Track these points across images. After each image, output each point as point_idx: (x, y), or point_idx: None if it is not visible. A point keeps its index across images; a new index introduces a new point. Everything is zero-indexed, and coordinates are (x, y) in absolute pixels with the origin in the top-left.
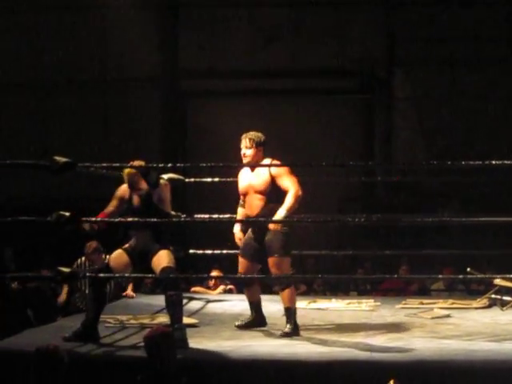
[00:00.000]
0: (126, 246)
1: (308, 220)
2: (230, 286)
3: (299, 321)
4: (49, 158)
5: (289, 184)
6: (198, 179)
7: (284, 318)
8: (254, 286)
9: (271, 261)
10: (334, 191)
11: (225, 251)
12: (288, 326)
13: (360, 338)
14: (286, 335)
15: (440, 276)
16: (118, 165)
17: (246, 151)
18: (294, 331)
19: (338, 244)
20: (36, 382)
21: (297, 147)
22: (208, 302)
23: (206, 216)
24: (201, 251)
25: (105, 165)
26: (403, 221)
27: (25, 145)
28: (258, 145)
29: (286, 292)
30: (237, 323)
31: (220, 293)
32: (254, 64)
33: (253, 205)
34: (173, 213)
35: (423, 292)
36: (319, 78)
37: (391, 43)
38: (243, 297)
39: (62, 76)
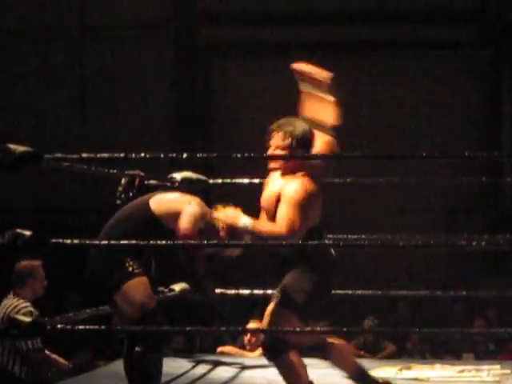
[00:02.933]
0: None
1: (399, 245)
2: None
3: None
4: None
5: (279, 215)
6: (228, 180)
7: None
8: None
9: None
10: (439, 198)
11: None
12: None
13: None
14: None
15: None
16: (105, 155)
17: (275, 150)
18: None
19: (445, 280)
20: None
21: (376, 128)
22: (243, 368)
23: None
24: (233, 291)
25: (86, 156)
26: None
27: None
28: (298, 144)
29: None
30: None
31: (261, 354)
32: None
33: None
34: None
35: None
36: (419, 26)
37: None
38: None
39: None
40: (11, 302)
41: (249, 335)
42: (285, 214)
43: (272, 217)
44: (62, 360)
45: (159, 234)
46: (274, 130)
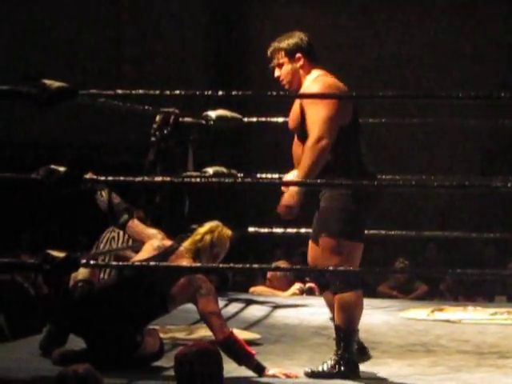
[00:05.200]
0: None
1: (433, 185)
2: (309, 285)
3: (416, 338)
4: (34, 82)
5: (310, 125)
6: (264, 118)
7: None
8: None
9: (312, 244)
10: (473, 141)
11: (303, 230)
12: (333, 357)
13: (510, 367)
14: (318, 375)
15: None
16: (141, 92)
17: (277, 72)
18: (344, 368)
19: (478, 222)
20: None
21: (406, 78)
22: (275, 307)
23: (276, 176)
24: (266, 229)
25: (121, 92)
26: None
27: None
28: (291, 54)
29: (343, 299)
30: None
31: (294, 294)
32: None
33: (295, 154)
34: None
35: None
36: None
37: None
38: None
39: None
40: None
41: (270, 272)
42: (317, 119)
43: (302, 135)
44: None
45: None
46: (273, 49)
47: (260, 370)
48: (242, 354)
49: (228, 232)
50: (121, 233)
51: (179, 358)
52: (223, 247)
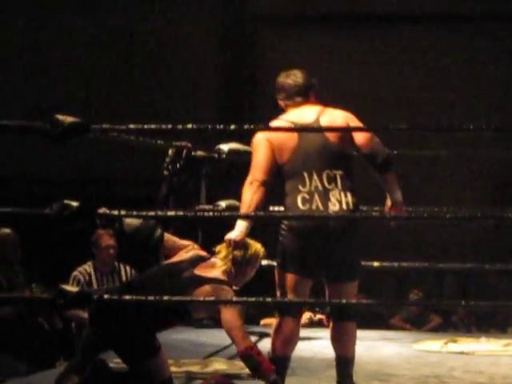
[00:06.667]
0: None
1: (446, 216)
2: (319, 316)
3: (430, 369)
4: (47, 118)
5: None
6: None
7: None
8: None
9: None
10: (485, 172)
11: None
12: None
13: None
14: None
15: None
16: (153, 126)
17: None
18: None
19: (492, 254)
20: None
21: (415, 100)
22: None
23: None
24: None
25: (133, 126)
26: None
27: (10, 99)
28: (277, 93)
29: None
30: None
31: (305, 325)
32: None
33: None
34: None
35: None
36: None
37: None
38: None
39: None
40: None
41: None
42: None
43: None
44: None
45: None
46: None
47: None
48: (260, 367)
49: (262, 250)
50: (127, 267)
51: None
52: (255, 264)
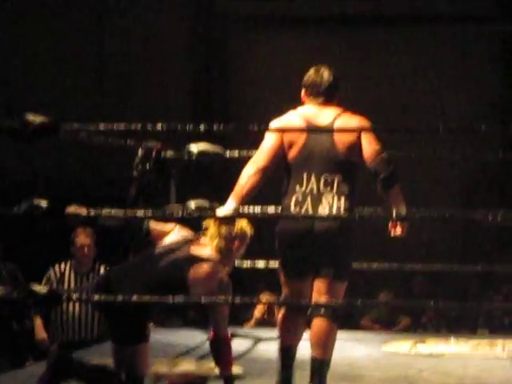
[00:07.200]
0: None
1: (415, 216)
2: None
3: (399, 371)
4: (17, 117)
5: None
6: (246, 152)
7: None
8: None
9: None
10: (456, 174)
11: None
12: None
13: None
14: None
15: None
16: (123, 127)
17: None
18: None
19: (462, 255)
20: None
21: (393, 100)
22: (258, 340)
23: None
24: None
25: (103, 127)
26: None
27: None
28: (303, 87)
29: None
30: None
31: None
32: None
33: None
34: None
35: None
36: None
37: None
38: None
39: None
40: None
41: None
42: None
43: None
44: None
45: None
46: None
47: (231, 381)
48: (225, 358)
49: (249, 227)
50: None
51: None
52: (243, 240)
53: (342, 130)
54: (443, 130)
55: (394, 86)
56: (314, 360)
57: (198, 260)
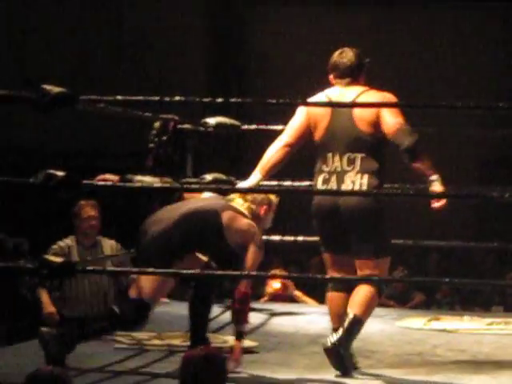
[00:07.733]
0: None
1: (431, 194)
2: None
3: (412, 347)
4: (34, 88)
5: None
6: (261, 126)
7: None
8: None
9: None
10: (471, 150)
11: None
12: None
13: (506, 377)
14: None
15: None
16: (140, 98)
17: None
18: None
19: (476, 233)
20: None
21: (408, 80)
22: (272, 315)
23: (274, 183)
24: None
25: (121, 98)
26: None
27: None
28: (329, 70)
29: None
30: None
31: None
32: None
33: None
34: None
35: None
36: None
37: None
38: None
39: None
40: None
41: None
42: None
43: None
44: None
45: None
46: None
47: (240, 336)
48: (242, 315)
49: (274, 195)
50: (110, 242)
51: (186, 358)
52: (271, 207)
53: (362, 105)
54: (462, 107)
55: (422, 61)
56: (348, 314)
57: (235, 210)
